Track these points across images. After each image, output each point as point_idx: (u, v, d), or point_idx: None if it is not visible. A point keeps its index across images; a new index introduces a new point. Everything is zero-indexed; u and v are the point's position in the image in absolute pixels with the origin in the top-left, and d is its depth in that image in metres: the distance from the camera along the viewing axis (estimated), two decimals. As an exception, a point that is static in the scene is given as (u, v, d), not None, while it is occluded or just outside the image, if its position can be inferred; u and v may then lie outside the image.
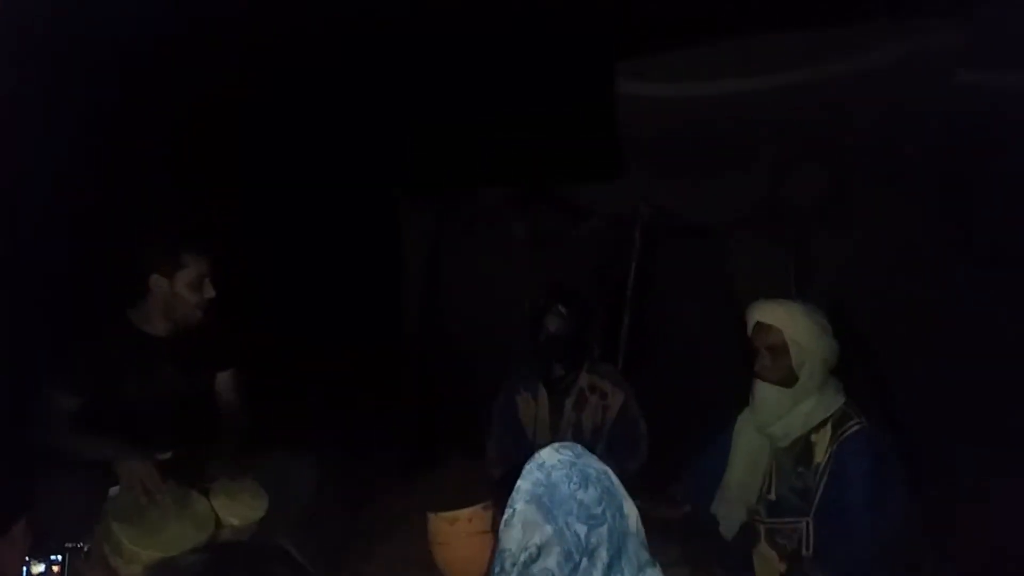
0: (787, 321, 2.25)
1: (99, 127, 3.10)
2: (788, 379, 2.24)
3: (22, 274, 2.88)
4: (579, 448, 1.36)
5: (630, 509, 1.32)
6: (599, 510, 1.27)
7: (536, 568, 1.25)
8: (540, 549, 1.26)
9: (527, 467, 1.34)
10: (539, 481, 1.30)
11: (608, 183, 3.76)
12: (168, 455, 2.25)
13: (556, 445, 1.36)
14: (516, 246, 4.02)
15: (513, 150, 3.98)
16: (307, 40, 3.39)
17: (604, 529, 1.26)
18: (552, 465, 1.31)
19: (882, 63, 2.88)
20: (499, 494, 1.38)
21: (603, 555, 1.25)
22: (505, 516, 1.31)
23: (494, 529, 1.39)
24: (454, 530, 2.19)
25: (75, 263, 3.07)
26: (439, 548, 2.21)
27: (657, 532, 1.42)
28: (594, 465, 1.32)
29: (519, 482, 1.32)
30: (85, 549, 2.05)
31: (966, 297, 2.75)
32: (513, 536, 1.29)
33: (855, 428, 2.17)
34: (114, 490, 2.20)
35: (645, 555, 1.32)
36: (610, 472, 1.34)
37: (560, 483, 1.28)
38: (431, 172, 4.13)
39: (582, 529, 1.25)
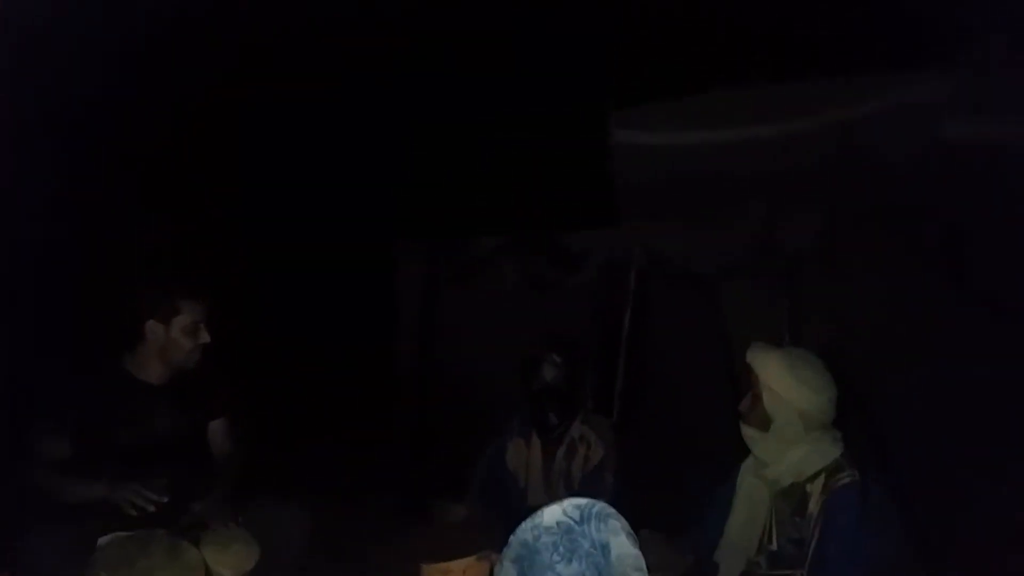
0: (762, 367, 2.26)
1: (92, 161, 3.14)
2: (764, 424, 2.25)
3: (17, 318, 2.88)
4: (596, 509, 1.28)
5: None
6: None
7: None
8: None
9: (525, 522, 1.30)
10: (525, 543, 1.25)
11: (603, 229, 3.79)
12: (165, 499, 2.22)
13: (568, 503, 1.29)
14: (511, 292, 4.03)
15: (509, 196, 4.03)
16: (307, 87, 3.45)
17: None
18: (546, 527, 1.25)
19: (872, 113, 2.93)
20: (493, 546, 1.34)
21: None
22: (495, 569, 1.29)
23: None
24: (448, 582, 2.15)
25: (70, 307, 3.08)
26: (432, 600, 2.17)
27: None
28: (594, 536, 1.24)
29: (512, 536, 1.29)
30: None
31: (960, 340, 2.76)
32: None
33: (845, 481, 2.16)
34: (103, 540, 2.17)
35: None
36: (614, 545, 1.24)
37: (543, 551, 1.23)
38: (427, 218, 4.17)
39: None
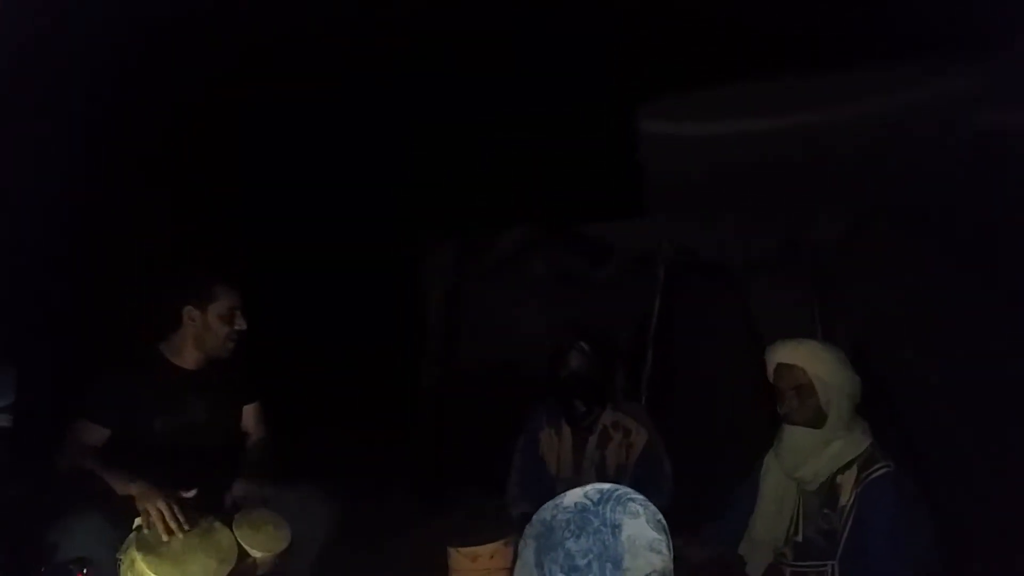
0: (809, 359, 2.24)
1: (129, 162, 3.19)
2: (817, 419, 2.23)
3: (54, 304, 2.94)
4: (617, 494, 1.31)
5: (636, 564, 1.25)
6: (583, 562, 1.25)
7: None
8: None
9: (548, 503, 1.35)
10: (544, 521, 1.32)
11: (631, 222, 3.79)
12: (192, 493, 2.25)
13: (592, 487, 1.34)
14: (537, 284, 4.04)
15: (535, 188, 4.03)
16: (337, 83, 3.48)
17: None
18: (564, 507, 1.31)
19: (903, 105, 2.90)
20: (520, 532, 1.38)
21: None
22: (520, 546, 1.34)
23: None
24: (475, 567, 2.19)
25: (107, 294, 3.14)
26: (459, 584, 2.21)
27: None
28: (607, 516, 1.28)
29: (535, 515, 1.34)
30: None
31: (991, 337, 2.72)
32: (517, 571, 1.32)
33: (881, 471, 2.14)
34: (139, 520, 2.22)
35: None
36: (627, 526, 1.27)
37: (556, 529, 1.29)
38: (452, 210, 4.19)
39: None
